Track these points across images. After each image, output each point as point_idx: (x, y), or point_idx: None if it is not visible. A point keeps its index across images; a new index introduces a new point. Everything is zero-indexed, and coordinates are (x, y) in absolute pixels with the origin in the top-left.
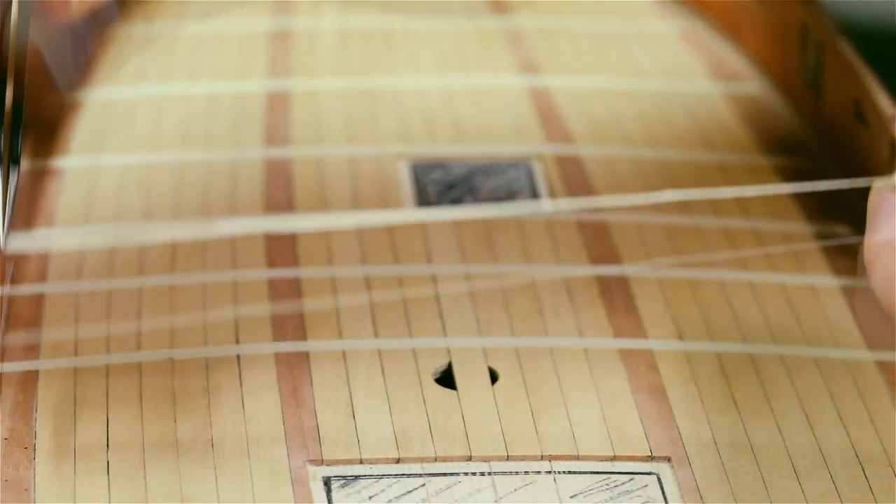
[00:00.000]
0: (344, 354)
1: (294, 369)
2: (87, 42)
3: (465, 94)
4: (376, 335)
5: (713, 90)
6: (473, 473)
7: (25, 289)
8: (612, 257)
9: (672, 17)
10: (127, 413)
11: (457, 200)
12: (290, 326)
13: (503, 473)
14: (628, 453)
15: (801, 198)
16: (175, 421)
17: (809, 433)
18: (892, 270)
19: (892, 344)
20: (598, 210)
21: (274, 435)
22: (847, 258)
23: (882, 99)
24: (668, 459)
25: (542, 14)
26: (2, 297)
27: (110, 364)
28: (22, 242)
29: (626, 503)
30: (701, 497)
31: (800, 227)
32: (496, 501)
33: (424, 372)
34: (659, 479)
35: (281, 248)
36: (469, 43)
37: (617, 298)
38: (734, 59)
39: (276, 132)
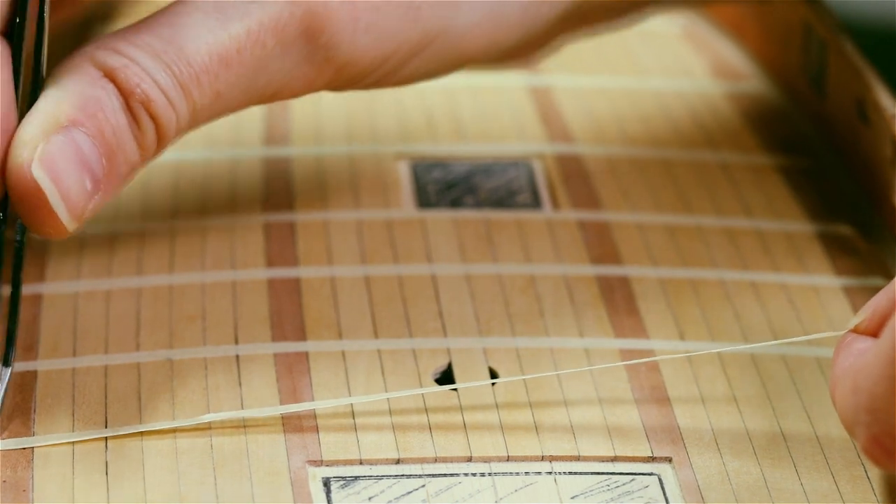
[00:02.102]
0: (343, 354)
1: (293, 369)
2: None
3: (466, 93)
4: (376, 335)
5: (715, 89)
6: (474, 474)
7: (24, 289)
8: (613, 257)
9: (673, 15)
10: (125, 413)
11: (457, 200)
12: (290, 326)
13: (504, 474)
14: (629, 454)
15: (803, 197)
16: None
17: (811, 433)
18: (845, 401)
19: None
20: (599, 209)
21: (273, 435)
22: (849, 258)
23: (885, 98)
24: (670, 460)
25: None
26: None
27: (109, 364)
28: None
29: None
30: (702, 497)
31: (802, 226)
32: (497, 502)
33: (424, 372)
34: (660, 480)
35: (280, 248)
36: None
37: (618, 298)
38: (736, 58)
39: (275, 131)
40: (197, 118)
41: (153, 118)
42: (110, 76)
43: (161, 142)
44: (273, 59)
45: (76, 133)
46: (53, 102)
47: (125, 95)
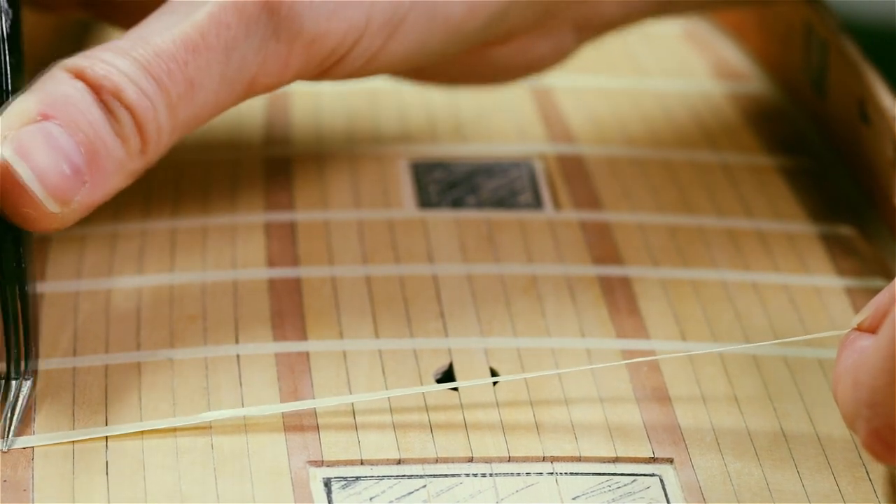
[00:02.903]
0: (344, 354)
1: (294, 369)
2: None
3: (467, 93)
4: (377, 335)
5: (716, 89)
6: (475, 475)
7: None
8: (615, 257)
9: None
10: (126, 413)
11: (458, 200)
12: (290, 326)
13: (505, 475)
14: (630, 455)
15: (804, 198)
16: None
17: (813, 434)
18: (846, 396)
19: None
20: (600, 210)
21: (274, 435)
22: (851, 259)
23: (886, 98)
24: (671, 461)
25: None
26: None
27: (109, 364)
28: None
29: None
30: (704, 498)
31: (803, 227)
32: (498, 502)
33: (425, 372)
34: (661, 481)
35: (281, 248)
36: None
37: (619, 299)
38: (737, 59)
39: (276, 131)
40: (177, 111)
41: (128, 108)
42: (80, 76)
43: (143, 134)
44: (240, 39)
45: (48, 124)
46: (22, 101)
47: (95, 90)
